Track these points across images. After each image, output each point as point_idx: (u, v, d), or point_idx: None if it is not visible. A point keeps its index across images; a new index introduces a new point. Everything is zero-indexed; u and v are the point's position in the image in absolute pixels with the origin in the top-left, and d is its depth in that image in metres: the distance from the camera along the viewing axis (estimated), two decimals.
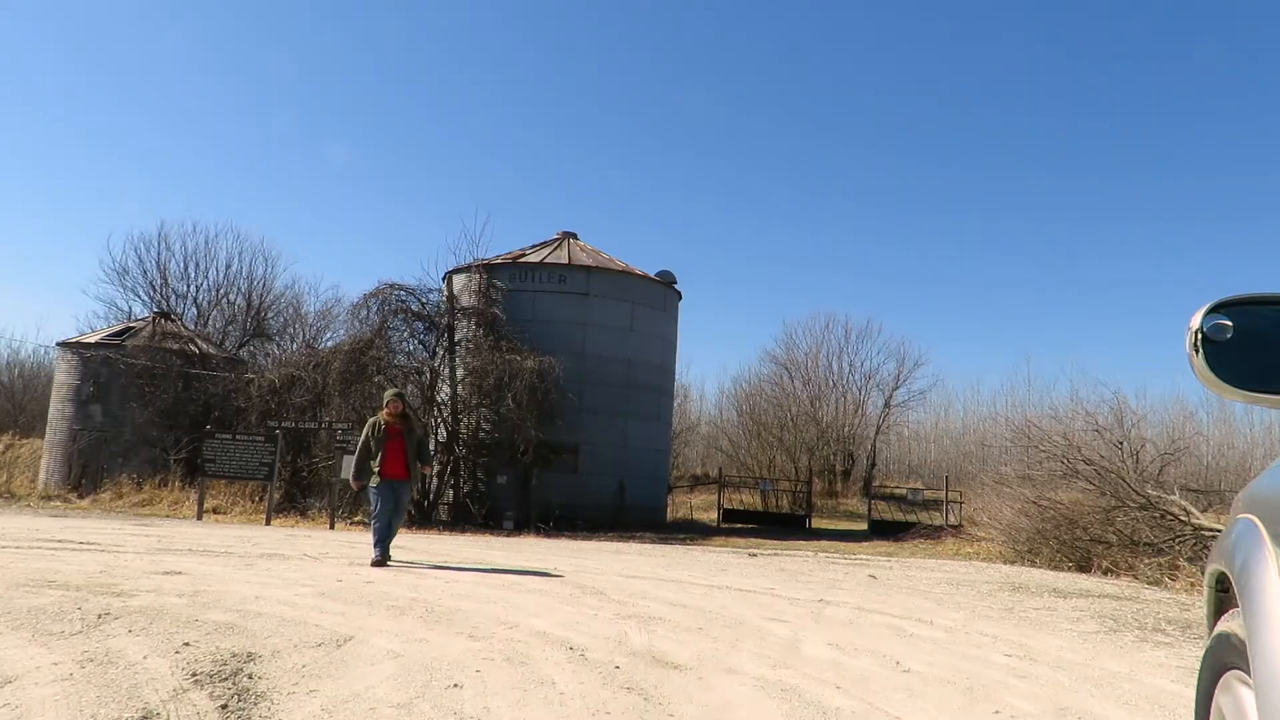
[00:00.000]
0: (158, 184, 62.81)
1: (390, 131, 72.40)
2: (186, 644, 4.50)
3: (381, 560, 8.49)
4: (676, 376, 22.90)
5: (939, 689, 4.32)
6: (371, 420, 9.17)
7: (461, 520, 17.06)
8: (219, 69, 67.40)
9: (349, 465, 15.71)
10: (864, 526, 21.34)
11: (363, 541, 11.88)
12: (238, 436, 16.49)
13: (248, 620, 5.24)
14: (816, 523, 22.61)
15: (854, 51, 69.77)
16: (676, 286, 21.30)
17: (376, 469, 8.80)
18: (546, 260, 19.23)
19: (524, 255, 19.63)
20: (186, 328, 23.40)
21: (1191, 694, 1.76)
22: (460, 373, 18.06)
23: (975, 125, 63.64)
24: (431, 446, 18.58)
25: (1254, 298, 1.65)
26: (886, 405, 34.43)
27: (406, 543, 11.99)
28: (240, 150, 69.03)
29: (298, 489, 18.08)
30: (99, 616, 5.12)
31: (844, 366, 35.26)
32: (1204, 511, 12.37)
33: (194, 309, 27.48)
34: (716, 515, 22.24)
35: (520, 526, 16.37)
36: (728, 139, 70.81)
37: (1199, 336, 1.59)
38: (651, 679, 4.22)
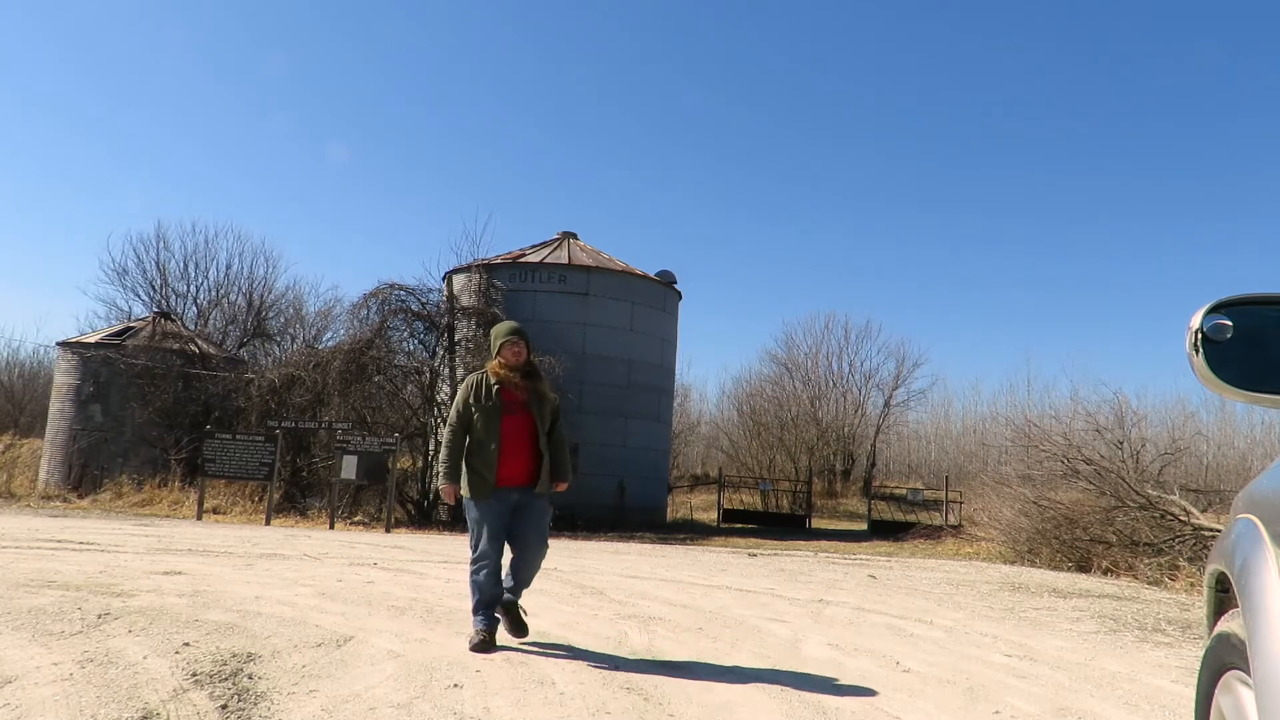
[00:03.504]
0: (158, 184, 62.83)
1: (390, 131, 72.43)
2: (186, 644, 4.49)
3: (487, 639, 4.71)
4: (676, 376, 22.94)
5: (939, 689, 4.32)
6: (471, 379, 4.99)
7: (461, 520, 17.01)
8: (219, 69, 67.42)
9: (349, 465, 15.70)
10: (864, 526, 21.35)
11: (362, 541, 11.83)
12: (238, 436, 16.49)
13: (248, 620, 5.24)
14: (816, 523, 22.61)
15: (854, 51, 69.80)
16: (676, 286, 21.31)
17: (485, 468, 4.76)
18: (546, 260, 19.24)
19: (524, 255, 19.64)
20: (186, 328, 23.40)
21: (1191, 694, 1.76)
22: (460, 372, 18.06)
23: (975, 125, 63.66)
24: (431, 446, 18.64)
25: (1254, 298, 1.65)
26: (886, 405, 34.51)
27: (405, 542, 11.99)
28: (240, 150, 69.05)
29: (298, 489, 18.09)
30: (99, 616, 5.12)
31: (844, 366, 35.35)
32: (1204, 511, 12.37)
33: (194, 309, 27.49)
34: (716, 515, 22.24)
35: None
36: (728, 139, 70.84)
37: (1199, 336, 1.59)
38: (651, 679, 4.22)
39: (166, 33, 66.12)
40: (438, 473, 4.98)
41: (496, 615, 4.88)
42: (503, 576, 4.94)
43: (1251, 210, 57.11)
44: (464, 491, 4.80)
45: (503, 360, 4.92)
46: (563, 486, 5.00)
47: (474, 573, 4.81)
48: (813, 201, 67.16)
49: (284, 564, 8.36)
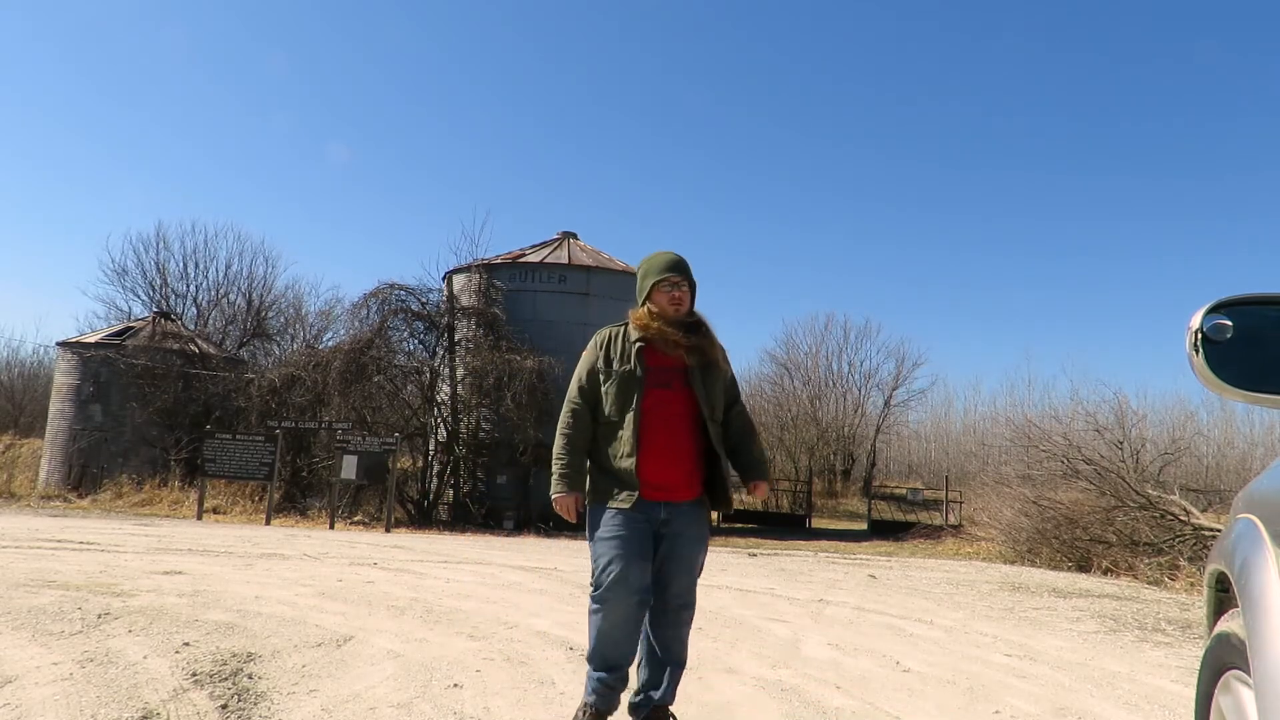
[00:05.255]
0: (157, 184, 62.80)
1: (390, 131, 72.41)
2: (186, 644, 4.50)
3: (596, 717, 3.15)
4: None
5: (939, 689, 4.32)
6: (602, 334, 3.38)
7: (461, 520, 17.06)
8: (219, 69, 67.40)
9: (349, 465, 15.70)
10: (864, 526, 21.34)
11: (362, 541, 11.83)
12: (238, 436, 16.50)
13: (248, 620, 5.24)
14: (816, 523, 22.61)
15: (854, 51, 69.78)
16: None
17: (618, 464, 3.18)
18: (546, 260, 19.25)
19: (524, 255, 19.65)
20: (186, 328, 23.40)
21: (1191, 694, 1.76)
22: (460, 372, 18.07)
23: (975, 125, 63.64)
24: (431, 446, 18.65)
25: (1254, 298, 1.65)
26: (886, 405, 34.51)
27: (406, 541, 11.99)
28: (240, 150, 69.03)
29: (298, 489, 18.09)
30: (99, 616, 5.12)
31: (844, 366, 35.36)
32: (1204, 511, 12.37)
33: (194, 309, 27.49)
34: (716, 515, 22.22)
35: (520, 526, 16.37)
36: (728, 139, 70.82)
37: (1199, 336, 1.59)
38: None
39: (166, 33, 66.14)
40: (555, 472, 3.23)
41: (618, 685, 3.15)
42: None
43: (1251, 210, 57.11)
44: (598, 497, 3.18)
45: (655, 308, 3.25)
46: (763, 489, 3.44)
47: (595, 609, 3.11)
48: (813, 201, 67.15)
49: (284, 564, 8.36)
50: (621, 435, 3.15)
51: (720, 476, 3.28)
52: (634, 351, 3.20)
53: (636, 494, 3.08)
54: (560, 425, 3.27)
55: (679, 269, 3.28)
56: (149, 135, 65.49)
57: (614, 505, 3.11)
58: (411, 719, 3.43)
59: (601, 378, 3.24)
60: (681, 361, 3.21)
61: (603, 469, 3.20)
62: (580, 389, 3.26)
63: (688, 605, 3.24)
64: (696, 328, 3.31)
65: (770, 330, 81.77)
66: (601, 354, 3.27)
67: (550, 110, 72.86)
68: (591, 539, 3.17)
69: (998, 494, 14.87)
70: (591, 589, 3.14)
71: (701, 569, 3.29)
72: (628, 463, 3.11)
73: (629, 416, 3.14)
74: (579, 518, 3.25)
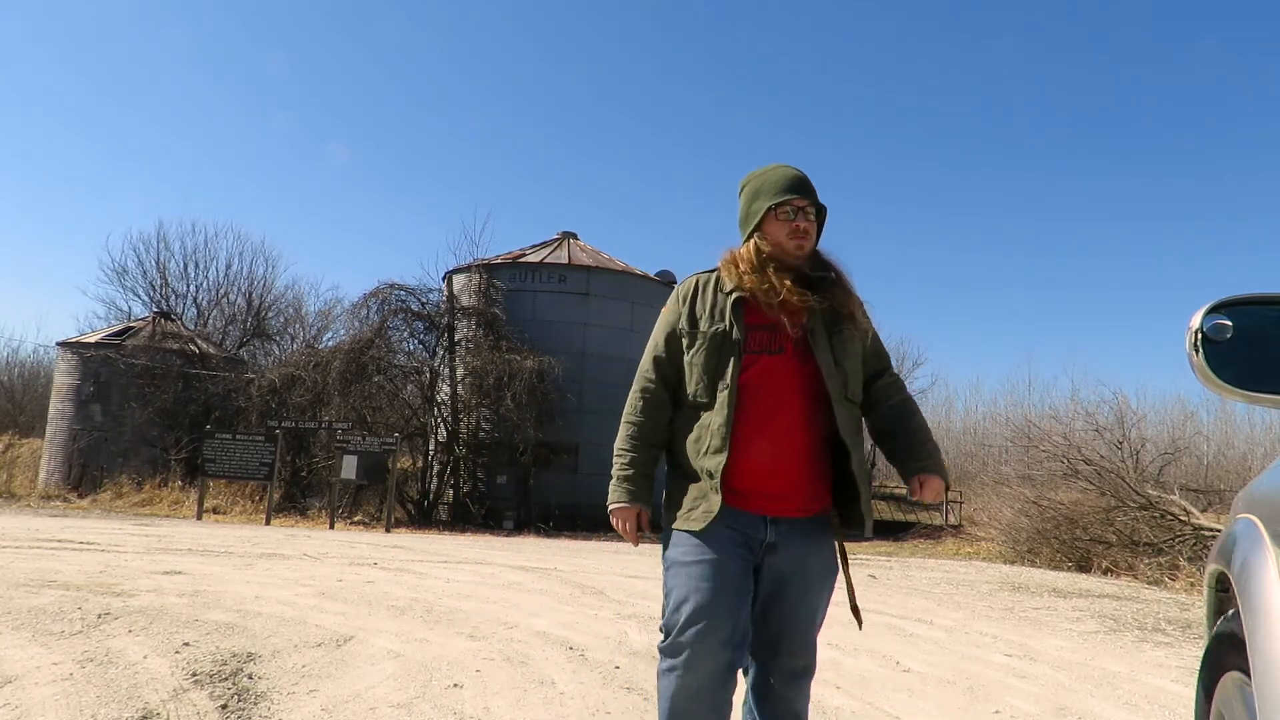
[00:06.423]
0: (158, 184, 62.83)
1: (390, 131, 72.43)
2: (186, 644, 4.50)
3: None
4: None
5: (939, 689, 4.32)
6: (688, 283, 2.38)
7: (461, 520, 17.06)
8: (219, 69, 67.42)
9: (349, 465, 15.70)
10: None
11: (362, 541, 11.84)
12: (238, 436, 16.49)
13: (248, 620, 5.24)
14: None
15: (854, 51, 69.81)
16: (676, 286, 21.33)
17: (703, 463, 2.17)
18: (546, 260, 19.26)
19: (524, 255, 19.65)
20: (186, 328, 23.41)
21: (1191, 694, 1.76)
22: (460, 372, 18.07)
23: (975, 125, 63.66)
24: (431, 446, 18.64)
25: (1254, 298, 1.65)
26: None
27: (406, 541, 11.99)
28: (240, 150, 69.05)
29: (298, 489, 18.10)
30: (99, 616, 5.12)
31: None
32: (1204, 511, 12.39)
33: (194, 309, 27.50)
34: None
35: (520, 526, 16.37)
36: (728, 139, 70.84)
37: (1199, 336, 1.59)
38: (652, 679, 4.22)
39: (166, 33, 66.18)
40: (614, 493, 2.35)
41: None
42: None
43: (1251, 210, 57.19)
44: (667, 519, 2.28)
45: (766, 247, 2.31)
46: (934, 485, 2.30)
47: (667, 666, 2.14)
48: None
49: (284, 564, 8.36)
50: (710, 422, 2.18)
51: (852, 481, 2.24)
52: (732, 305, 2.24)
53: (719, 508, 2.13)
54: (626, 412, 2.34)
55: (804, 189, 2.30)
56: (149, 135, 65.53)
57: (690, 527, 2.17)
58: (411, 719, 3.43)
59: (685, 342, 2.28)
60: (798, 320, 2.24)
61: (683, 471, 2.26)
62: (656, 360, 2.31)
63: (807, 670, 2.28)
64: (824, 276, 2.32)
65: None
66: (685, 310, 2.31)
67: (550, 110, 72.95)
68: (668, 566, 2.24)
69: (998, 494, 14.88)
70: (661, 637, 2.18)
71: (824, 617, 2.32)
72: (714, 460, 2.15)
73: (722, 396, 2.17)
74: (640, 540, 2.35)
